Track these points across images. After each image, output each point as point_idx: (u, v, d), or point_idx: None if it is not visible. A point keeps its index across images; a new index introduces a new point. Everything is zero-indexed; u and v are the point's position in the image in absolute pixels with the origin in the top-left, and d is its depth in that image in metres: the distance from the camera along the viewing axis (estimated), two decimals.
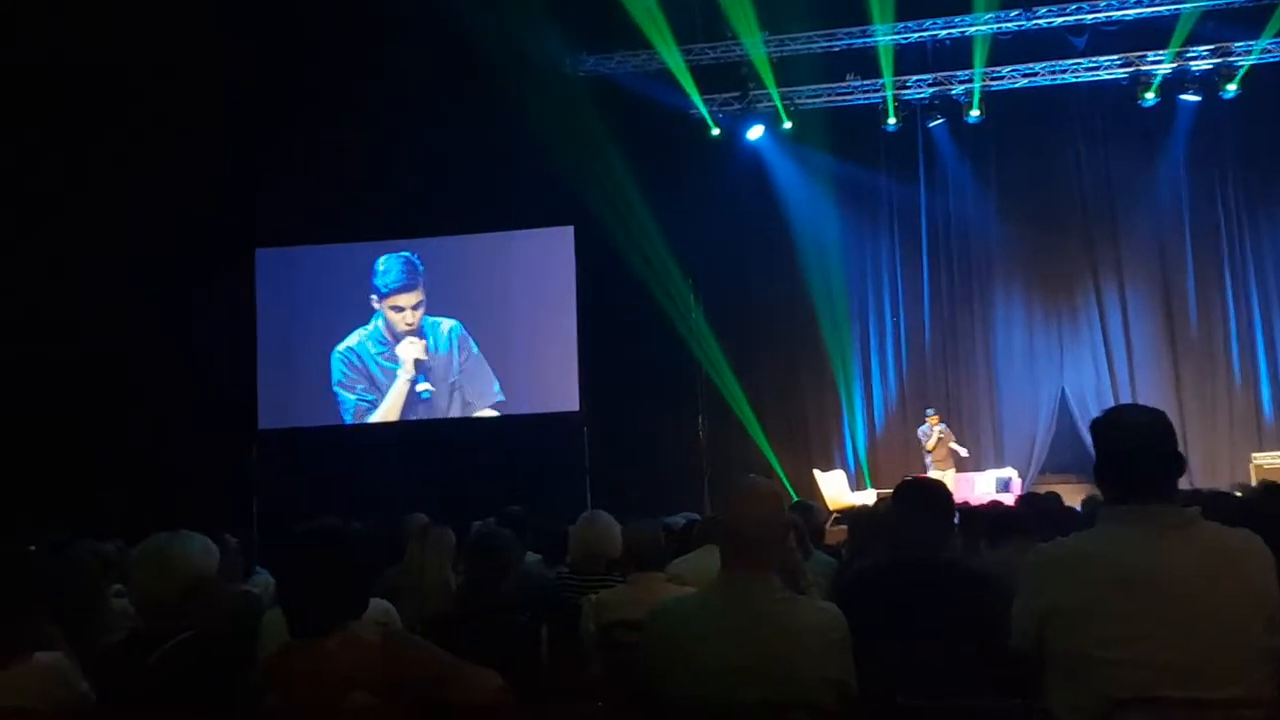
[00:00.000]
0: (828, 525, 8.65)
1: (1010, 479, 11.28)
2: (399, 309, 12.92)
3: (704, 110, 12.47)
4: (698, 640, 2.31)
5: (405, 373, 12.79)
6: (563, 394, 12.49)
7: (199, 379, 11.83)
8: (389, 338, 12.94)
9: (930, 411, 11.71)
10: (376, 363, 12.91)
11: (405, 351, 12.83)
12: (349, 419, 12.82)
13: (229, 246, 12.47)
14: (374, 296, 12.96)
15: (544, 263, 12.76)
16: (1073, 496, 7.10)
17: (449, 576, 4.48)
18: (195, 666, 2.42)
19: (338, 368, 12.91)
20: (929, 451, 11.52)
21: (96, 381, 11.72)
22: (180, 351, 11.68)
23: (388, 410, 12.81)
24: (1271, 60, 11.49)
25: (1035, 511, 4.46)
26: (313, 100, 12.03)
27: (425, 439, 12.36)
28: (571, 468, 11.78)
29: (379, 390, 12.87)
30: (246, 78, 11.72)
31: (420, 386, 12.74)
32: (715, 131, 12.57)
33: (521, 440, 12.05)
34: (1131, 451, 2.20)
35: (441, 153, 11.96)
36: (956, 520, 3.84)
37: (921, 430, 11.67)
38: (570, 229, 12.60)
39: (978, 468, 11.76)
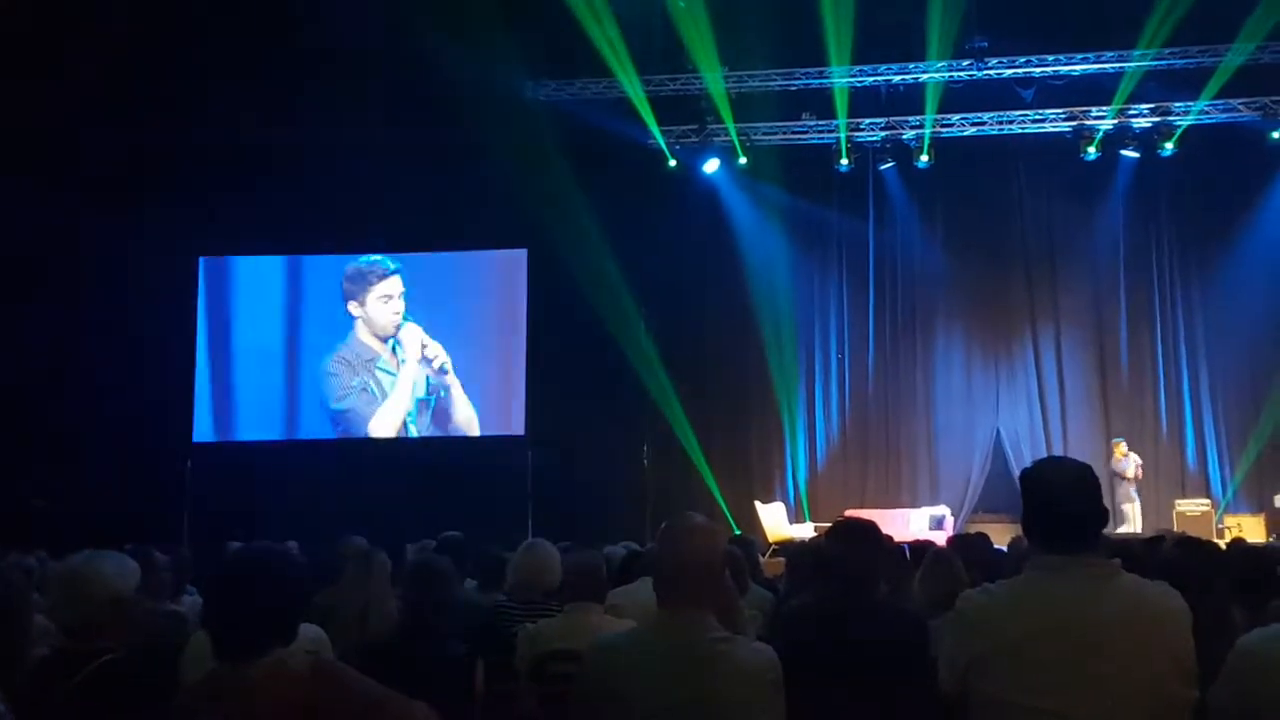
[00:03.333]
0: (765, 557, 8.70)
1: (943, 517, 11.44)
2: (387, 297, 12.64)
3: (661, 141, 12.58)
4: (633, 679, 2.31)
5: (413, 358, 12.49)
6: (509, 417, 12.43)
7: (134, 389, 11.57)
8: (373, 346, 12.64)
9: (1119, 440, 11.47)
10: (369, 370, 12.62)
11: (409, 335, 12.54)
12: (362, 430, 12.50)
13: (172, 252, 12.23)
14: (352, 302, 12.68)
15: (496, 284, 12.73)
16: (1003, 537, 7.23)
17: (391, 603, 4.41)
18: (118, 690, 2.36)
19: (333, 381, 12.58)
20: (1130, 480, 11.18)
21: (29, 388, 11.39)
22: (117, 360, 11.42)
23: (399, 402, 12.49)
24: (1208, 121, 11.92)
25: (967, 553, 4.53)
26: (267, 109, 11.90)
27: (364, 458, 12.20)
28: (514, 492, 11.70)
29: (380, 391, 12.58)
30: (198, 84, 11.57)
31: (435, 365, 12.40)
32: (672, 163, 12.69)
33: (465, 462, 11.95)
34: (1058, 504, 2.25)
35: (396, 170, 11.91)
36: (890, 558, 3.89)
37: (1121, 464, 11.22)
38: (524, 251, 12.61)
39: (913, 505, 11.92)
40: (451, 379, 12.54)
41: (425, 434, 12.56)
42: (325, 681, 2.08)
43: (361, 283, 12.70)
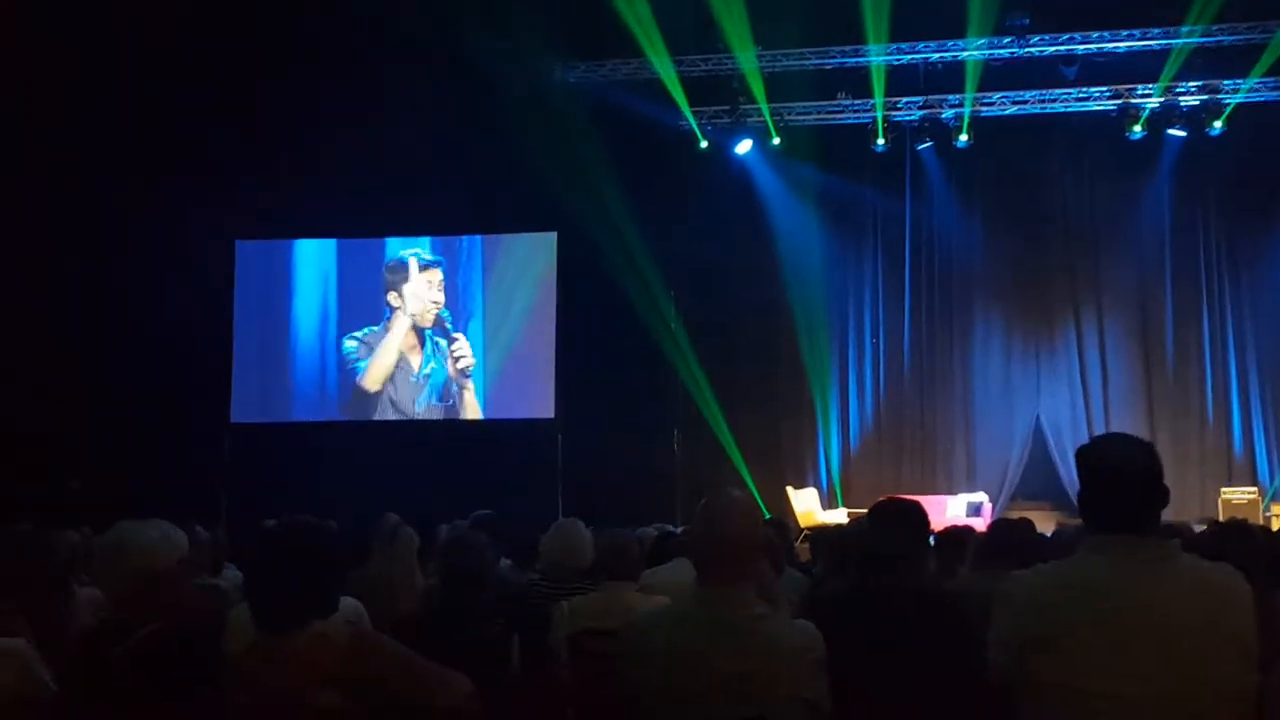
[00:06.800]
0: (797, 542, 8.67)
1: (981, 503, 11.30)
2: (427, 286, 12.66)
3: (693, 122, 12.46)
4: (673, 654, 2.29)
5: (442, 353, 12.57)
6: (539, 400, 12.45)
7: (172, 370, 11.70)
8: (407, 337, 12.65)
9: None
10: (389, 356, 12.72)
11: (446, 333, 12.59)
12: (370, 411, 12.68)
13: (207, 237, 12.33)
14: (391, 293, 12.69)
15: (526, 267, 12.72)
16: (1043, 524, 7.10)
17: (416, 578, 4.44)
18: (161, 661, 2.38)
19: (349, 360, 12.76)
20: None
21: (66, 370, 11.55)
22: (154, 342, 11.55)
23: (385, 356, 12.63)
24: (1258, 99, 11.60)
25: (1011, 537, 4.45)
26: (299, 93, 11.95)
27: (397, 439, 12.27)
28: (545, 474, 11.73)
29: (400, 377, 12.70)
30: (233, 71, 11.63)
31: (459, 367, 12.47)
32: (704, 144, 12.57)
33: (496, 445, 11.98)
34: (1117, 482, 2.18)
35: (427, 153, 11.88)
36: (933, 542, 3.84)
37: None
38: (554, 235, 12.57)
39: (949, 491, 11.80)
40: (469, 383, 12.57)
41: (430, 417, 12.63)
42: (365, 652, 2.09)
43: (401, 273, 12.74)
